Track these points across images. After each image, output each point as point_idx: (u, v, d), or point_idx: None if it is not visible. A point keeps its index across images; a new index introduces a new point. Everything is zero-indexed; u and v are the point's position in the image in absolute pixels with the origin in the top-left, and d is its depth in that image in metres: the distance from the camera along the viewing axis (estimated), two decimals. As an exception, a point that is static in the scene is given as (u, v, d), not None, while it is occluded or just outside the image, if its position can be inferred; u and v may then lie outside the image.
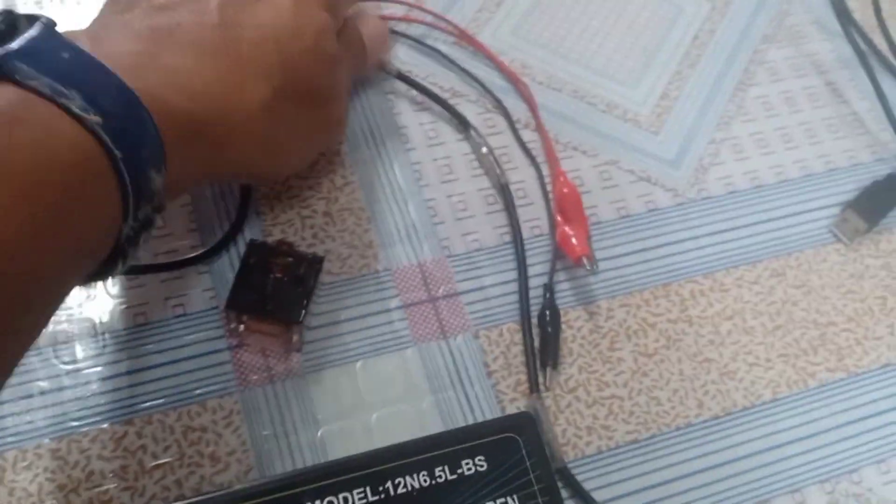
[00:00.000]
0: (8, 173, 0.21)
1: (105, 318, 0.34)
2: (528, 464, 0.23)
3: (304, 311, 0.32)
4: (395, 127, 0.40)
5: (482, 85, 0.42)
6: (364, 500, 0.22)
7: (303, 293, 0.32)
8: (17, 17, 0.24)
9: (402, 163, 0.39)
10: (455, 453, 0.23)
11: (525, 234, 0.38)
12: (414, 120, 0.40)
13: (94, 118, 0.23)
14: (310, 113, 0.33)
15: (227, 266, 0.35)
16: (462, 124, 0.40)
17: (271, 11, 0.31)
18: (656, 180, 0.40)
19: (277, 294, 0.32)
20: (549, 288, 0.36)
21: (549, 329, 0.35)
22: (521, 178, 0.40)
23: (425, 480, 0.22)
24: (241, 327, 0.33)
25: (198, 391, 0.33)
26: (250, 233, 0.36)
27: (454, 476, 0.23)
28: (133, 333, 0.34)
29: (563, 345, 0.35)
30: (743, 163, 0.42)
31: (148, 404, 0.32)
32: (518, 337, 0.35)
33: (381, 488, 0.22)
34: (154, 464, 0.31)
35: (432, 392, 0.34)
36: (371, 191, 0.38)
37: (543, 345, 0.35)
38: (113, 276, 0.27)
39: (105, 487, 0.31)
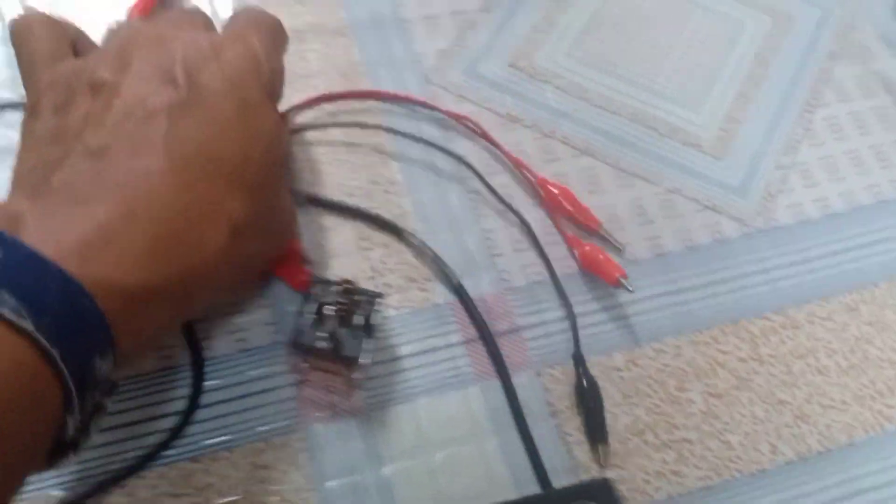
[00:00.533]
0: None
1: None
2: None
3: (363, 349, 0.31)
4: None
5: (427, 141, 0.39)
6: None
7: (363, 331, 0.32)
8: None
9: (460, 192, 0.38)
10: None
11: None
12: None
13: (24, 321, 0.21)
14: (267, 234, 0.31)
15: (286, 298, 0.34)
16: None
17: (216, 132, 0.28)
18: (722, 209, 0.39)
19: (339, 332, 0.31)
20: (579, 360, 0.34)
21: (591, 404, 0.33)
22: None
23: None
24: (306, 365, 0.32)
25: (261, 428, 0.32)
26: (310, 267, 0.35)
27: None
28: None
29: (629, 384, 0.34)
30: (812, 189, 0.40)
31: (213, 441, 0.32)
32: (582, 376, 0.34)
33: None
34: (221, 502, 0.31)
35: (496, 433, 0.33)
36: (427, 222, 0.37)
37: (589, 421, 0.33)
38: (67, 460, 0.24)
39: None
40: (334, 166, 0.38)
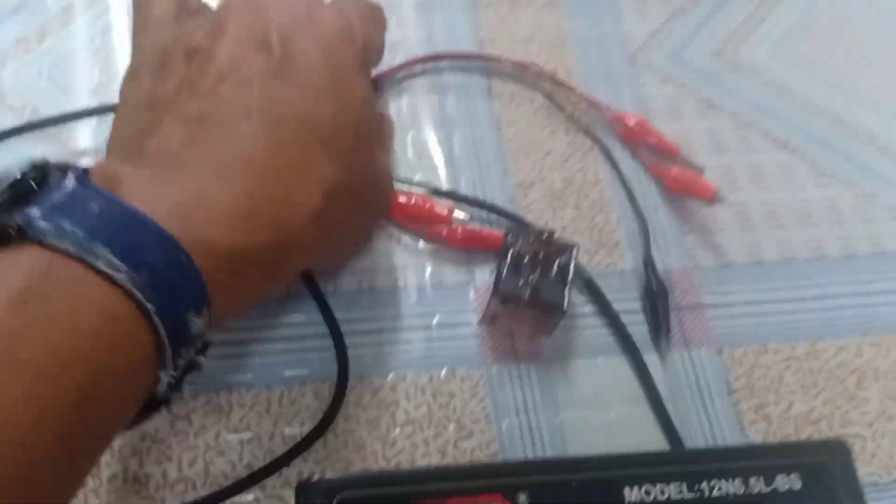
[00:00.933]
0: (21, 360, 0.19)
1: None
2: (840, 491, 0.23)
3: (566, 299, 0.32)
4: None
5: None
6: (680, 496, 0.22)
7: (563, 281, 0.33)
8: (48, 168, 0.23)
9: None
10: (771, 467, 0.23)
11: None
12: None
13: (120, 275, 0.21)
14: (361, 201, 0.31)
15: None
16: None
17: (310, 97, 0.28)
18: (916, 220, 0.39)
19: (539, 281, 0.33)
20: (649, 263, 0.36)
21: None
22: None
23: (740, 489, 0.23)
24: (499, 308, 0.34)
25: (447, 358, 0.34)
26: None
27: (768, 489, 0.23)
28: (392, 294, 0.35)
29: (807, 375, 0.35)
30: None
31: (402, 362, 0.34)
32: (763, 359, 0.35)
33: (697, 487, 0.22)
34: (405, 419, 0.33)
35: (672, 401, 0.34)
36: (620, 192, 0.38)
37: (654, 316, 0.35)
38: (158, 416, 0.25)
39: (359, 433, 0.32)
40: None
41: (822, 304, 0.37)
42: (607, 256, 0.37)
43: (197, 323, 0.23)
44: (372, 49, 0.33)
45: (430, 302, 0.35)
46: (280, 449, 0.32)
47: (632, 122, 0.39)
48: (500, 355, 0.34)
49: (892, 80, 0.43)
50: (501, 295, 0.33)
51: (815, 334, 0.36)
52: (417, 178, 0.38)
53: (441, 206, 0.36)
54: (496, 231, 0.36)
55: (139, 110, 0.29)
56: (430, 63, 0.41)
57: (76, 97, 0.38)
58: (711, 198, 0.37)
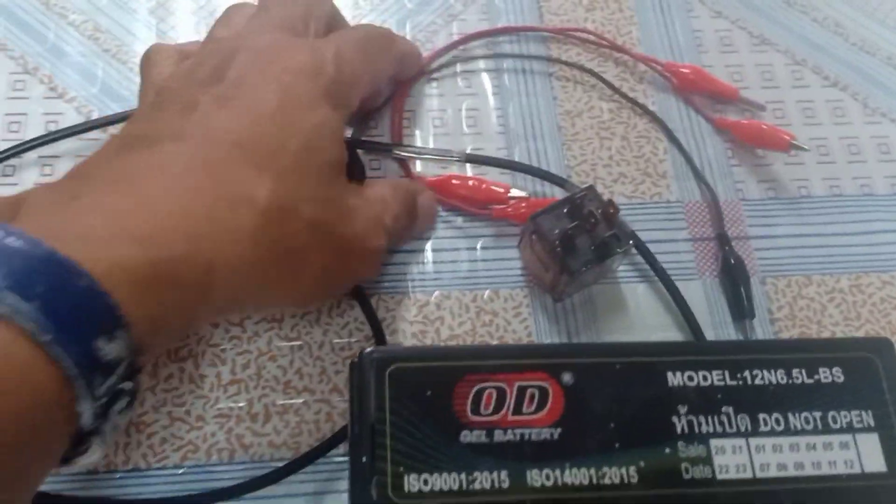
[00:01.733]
0: None
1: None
2: (884, 385, 0.23)
3: (580, 270, 0.31)
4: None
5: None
6: (722, 383, 0.23)
7: (595, 257, 0.32)
8: None
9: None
10: (813, 360, 0.23)
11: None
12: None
13: (4, 307, 0.19)
14: (326, 236, 0.28)
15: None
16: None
17: (250, 122, 0.27)
18: (969, 162, 0.39)
19: (573, 237, 0.31)
20: (724, 239, 0.36)
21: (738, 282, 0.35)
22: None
23: (782, 378, 0.23)
24: (531, 239, 0.33)
25: (491, 279, 0.35)
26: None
27: (810, 381, 0.23)
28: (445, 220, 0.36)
29: (851, 307, 0.35)
30: None
31: (448, 282, 0.35)
32: (806, 290, 0.35)
33: (739, 375, 0.23)
34: (450, 333, 0.34)
35: (713, 327, 0.34)
36: (669, 122, 0.39)
37: (735, 299, 0.35)
38: (93, 452, 0.22)
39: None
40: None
41: (867, 240, 0.37)
42: (654, 187, 0.37)
43: (110, 349, 0.21)
44: (349, 87, 0.31)
45: (475, 227, 0.36)
46: (329, 358, 0.33)
47: (687, 70, 0.39)
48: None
49: (950, 21, 0.42)
50: (535, 224, 0.32)
51: (860, 268, 0.36)
52: (471, 147, 0.38)
53: (497, 185, 0.36)
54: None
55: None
56: (488, 38, 0.40)
57: (137, 15, 0.39)
58: (786, 147, 0.37)
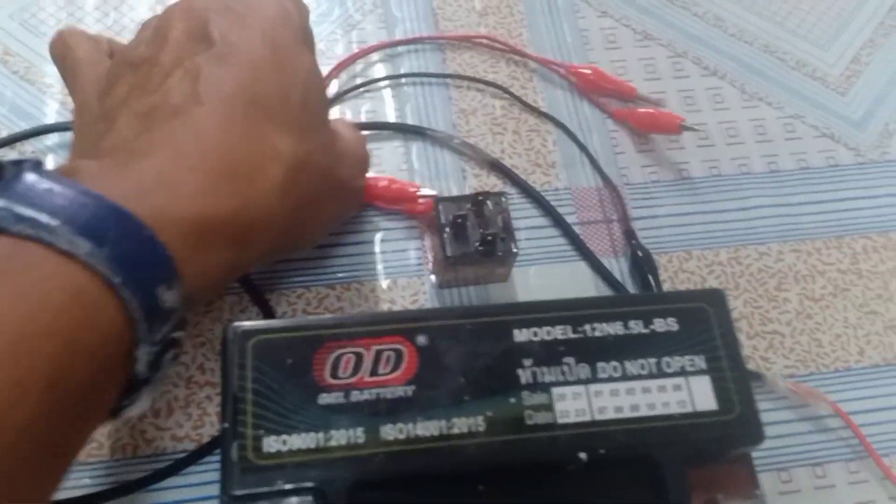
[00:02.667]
0: None
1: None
2: (716, 333, 0.25)
3: (515, 244, 0.33)
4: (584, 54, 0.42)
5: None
6: (564, 337, 0.24)
7: (508, 229, 0.33)
8: (2, 164, 0.23)
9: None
10: (649, 312, 0.25)
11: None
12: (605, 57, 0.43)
13: (82, 250, 0.21)
14: (330, 175, 0.31)
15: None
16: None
17: (253, 76, 0.28)
18: (839, 138, 0.41)
19: (486, 237, 0.33)
20: (631, 234, 0.38)
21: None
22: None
23: (620, 330, 0.25)
24: (454, 269, 0.34)
25: (391, 270, 0.37)
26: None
27: (646, 330, 0.25)
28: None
29: (730, 278, 0.37)
30: (932, 132, 0.42)
31: (343, 275, 0.36)
32: (687, 265, 0.37)
33: (579, 328, 0.25)
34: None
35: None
36: (558, 116, 0.41)
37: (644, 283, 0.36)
38: (141, 398, 0.24)
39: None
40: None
41: (745, 215, 0.39)
42: (543, 176, 0.39)
43: (168, 297, 0.23)
44: (308, 32, 0.33)
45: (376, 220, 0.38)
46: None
47: (588, 72, 0.41)
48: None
49: (819, 11, 0.45)
50: (452, 261, 0.33)
51: (738, 242, 0.38)
52: (365, 108, 0.40)
53: (410, 185, 0.38)
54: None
55: (93, 125, 0.29)
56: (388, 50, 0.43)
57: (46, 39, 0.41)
58: (677, 130, 0.39)
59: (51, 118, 0.39)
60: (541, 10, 0.44)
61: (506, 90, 0.41)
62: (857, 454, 0.34)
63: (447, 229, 0.33)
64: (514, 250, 0.33)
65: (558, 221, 0.38)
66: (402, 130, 0.40)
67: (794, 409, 0.34)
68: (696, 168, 0.40)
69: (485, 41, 0.42)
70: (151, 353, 0.23)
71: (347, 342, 0.24)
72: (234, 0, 0.31)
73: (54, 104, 0.39)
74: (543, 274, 0.37)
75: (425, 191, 0.38)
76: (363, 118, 0.40)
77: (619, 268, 0.37)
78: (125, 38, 0.41)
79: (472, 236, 0.33)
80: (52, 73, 0.40)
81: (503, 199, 0.34)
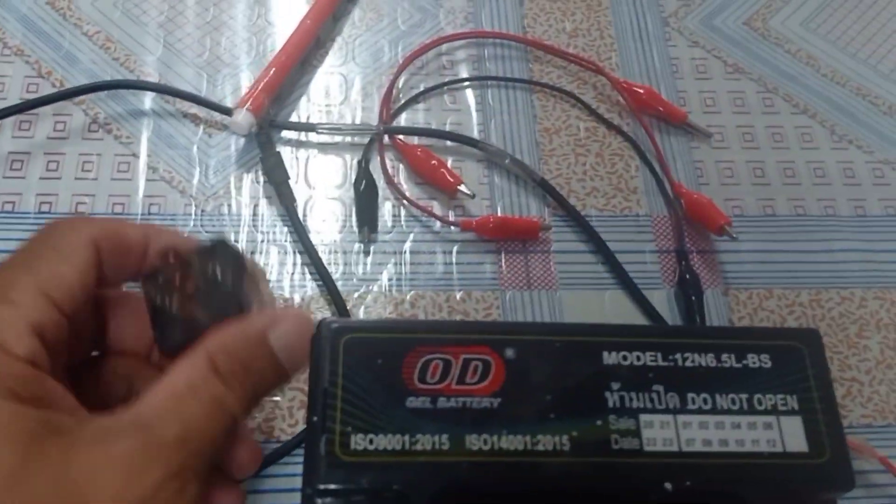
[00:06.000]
0: None
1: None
2: (810, 373, 0.24)
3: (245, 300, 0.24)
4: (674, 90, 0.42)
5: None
6: (655, 363, 0.24)
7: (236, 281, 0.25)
8: None
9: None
10: (742, 346, 0.25)
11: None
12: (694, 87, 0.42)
13: None
14: None
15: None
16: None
17: None
18: (931, 188, 0.40)
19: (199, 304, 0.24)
20: (682, 254, 0.37)
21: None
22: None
23: (712, 362, 0.24)
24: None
25: (465, 282, 0.37)
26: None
27: (738, 365, 0.24)
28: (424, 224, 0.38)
29: (811, 321, 0.36)
30: None
31: (423, 282, 0.37)
32: (767, 303, 0.37)
33: (670, 357, 0.24)
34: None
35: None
36: (642, 139, 0.41)
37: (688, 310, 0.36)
38: None
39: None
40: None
41: (829, 258, 0.38)
42: (624, 201, 0.39)
43: None
44: None
45: (451, 234, 0.38)
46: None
47: (641, 91, 0.41)
48: (514, 283, 0.37)
49: (918, 56, 0.44)
50: (172, 351, 0.24)
51: (821, 284, 0.37)
52: (451, 159, 0.40)
53: (451, 174, 0.38)
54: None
55: None
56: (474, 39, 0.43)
57: (147, 28, 0.42)
58: (717, 231, 0.37)
59: (147, 105, 0.40)
60: (631, 35, 0.44)
61: (590, 108, 0.41)
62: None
63: (159, 316, 0.24)
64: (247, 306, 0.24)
65: (600, 247, 0.38)
66: (458, 141, 0.40)
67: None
68: (782, 206, 0.39)
69: (571, 57, 0.42)
70: None
71: (437, 348, 0.24)
72: None
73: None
74: (579, 298, 0.37)
75: (463, 188, 0.38)
76: (448, 127, 0.40)
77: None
78: (224, 34, 0.42)
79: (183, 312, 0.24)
80: (150, 63, 0.41)
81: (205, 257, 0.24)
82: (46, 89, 0.39)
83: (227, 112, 0.38)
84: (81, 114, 0.39)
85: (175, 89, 0.40)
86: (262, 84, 0.39)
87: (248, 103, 0.38)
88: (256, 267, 0.25)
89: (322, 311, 0.35)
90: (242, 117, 0.37)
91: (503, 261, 0.37)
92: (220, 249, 0.24)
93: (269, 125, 0.39)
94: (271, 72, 0.39)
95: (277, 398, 0.33)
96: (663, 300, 0.37)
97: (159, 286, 0.24)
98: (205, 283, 0.24)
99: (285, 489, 0.32)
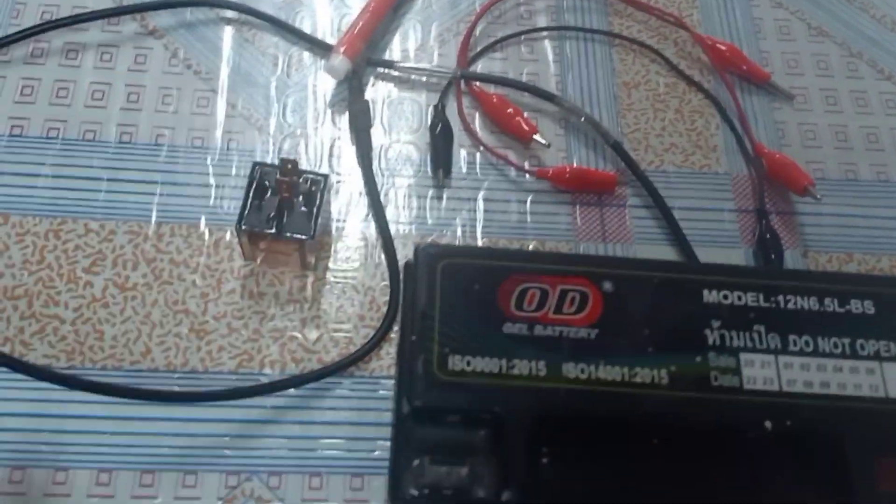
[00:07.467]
0: None
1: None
2: None
3: (313, 230, 0.30)
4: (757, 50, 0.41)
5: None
6: (756, 304, 0.24)
7: (310, 211, 0.31)
8: None
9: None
10: (845, 291, 0.24)
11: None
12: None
13: None
14: None
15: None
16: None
17: None
18: None
19: (282, 213, 0.31)
20: (763, 213, 0.36)
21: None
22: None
23: (814, 305, 0.24)
24: (251, 243, 0.32)
25: (539, 232, 0.36)
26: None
27: (841, 310, 0.24)
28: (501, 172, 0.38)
29: None
30: None
31: (496, 230, 0.36)
32: (847, 267, 0.36)
33: (772, 299, 0.24)
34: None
35: (752, 292, 0.35)
36: (723, 97, 0.40)
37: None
38: None
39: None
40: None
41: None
42: (703, 158, 0.38)
43: None
44: None
45: (527, 183, 0.38)
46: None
47: (723, 48, 0.40)
48: (588, 235, 0.36)
49: None
50: (246, 233, 0.31)
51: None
52: (527, 70, 0.40)
53: (526, 123, 0.38)
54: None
55: None
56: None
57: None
58: (801, 191, 0.36)
59: (226, 42, 0.40)
60: (713, -8, 0.43)
61: (671, 63, 0.40)
62: None
63: (250, 196, 0.31)
64: (305, 237, 0.30)
65: (664, 213, 0.36)
66: (536, 94, 0.39)
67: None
68: (864, 171, 0.39)
69: (653, 11, 0.42)
70: None
71: (534, 277, 0.24)
72: None
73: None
74: (655, 254, 0.35)
75: (538, 137, 0.37)
76: (524, 77, 0.40)
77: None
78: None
79: (266, 208, 0.31)
80: (273, 43, 0.41)
81: (323, 181, 0.31)
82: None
83: (327, 48, 0.38)
84: (161, 48, 0.39)
85: (275, 18, 0.40)
86: (357, 28, 0.39)
87: (343, 48, 0.38)
88: None
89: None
90: (339, 62, 0.37)
91: (577, 212, 0.37)
92: None
93: (363, 71, 0.39)
94: (366, 16, 0.39)
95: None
96: (741, 260, 0.36)
97: None
98: None
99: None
